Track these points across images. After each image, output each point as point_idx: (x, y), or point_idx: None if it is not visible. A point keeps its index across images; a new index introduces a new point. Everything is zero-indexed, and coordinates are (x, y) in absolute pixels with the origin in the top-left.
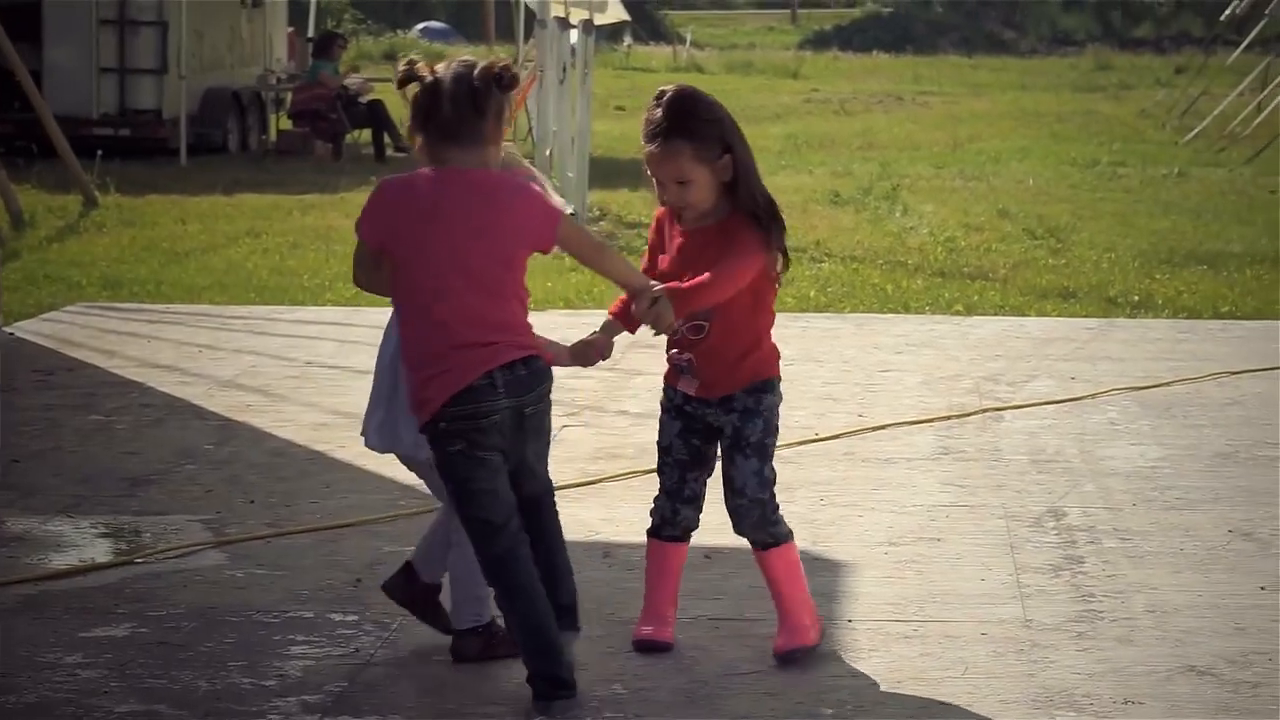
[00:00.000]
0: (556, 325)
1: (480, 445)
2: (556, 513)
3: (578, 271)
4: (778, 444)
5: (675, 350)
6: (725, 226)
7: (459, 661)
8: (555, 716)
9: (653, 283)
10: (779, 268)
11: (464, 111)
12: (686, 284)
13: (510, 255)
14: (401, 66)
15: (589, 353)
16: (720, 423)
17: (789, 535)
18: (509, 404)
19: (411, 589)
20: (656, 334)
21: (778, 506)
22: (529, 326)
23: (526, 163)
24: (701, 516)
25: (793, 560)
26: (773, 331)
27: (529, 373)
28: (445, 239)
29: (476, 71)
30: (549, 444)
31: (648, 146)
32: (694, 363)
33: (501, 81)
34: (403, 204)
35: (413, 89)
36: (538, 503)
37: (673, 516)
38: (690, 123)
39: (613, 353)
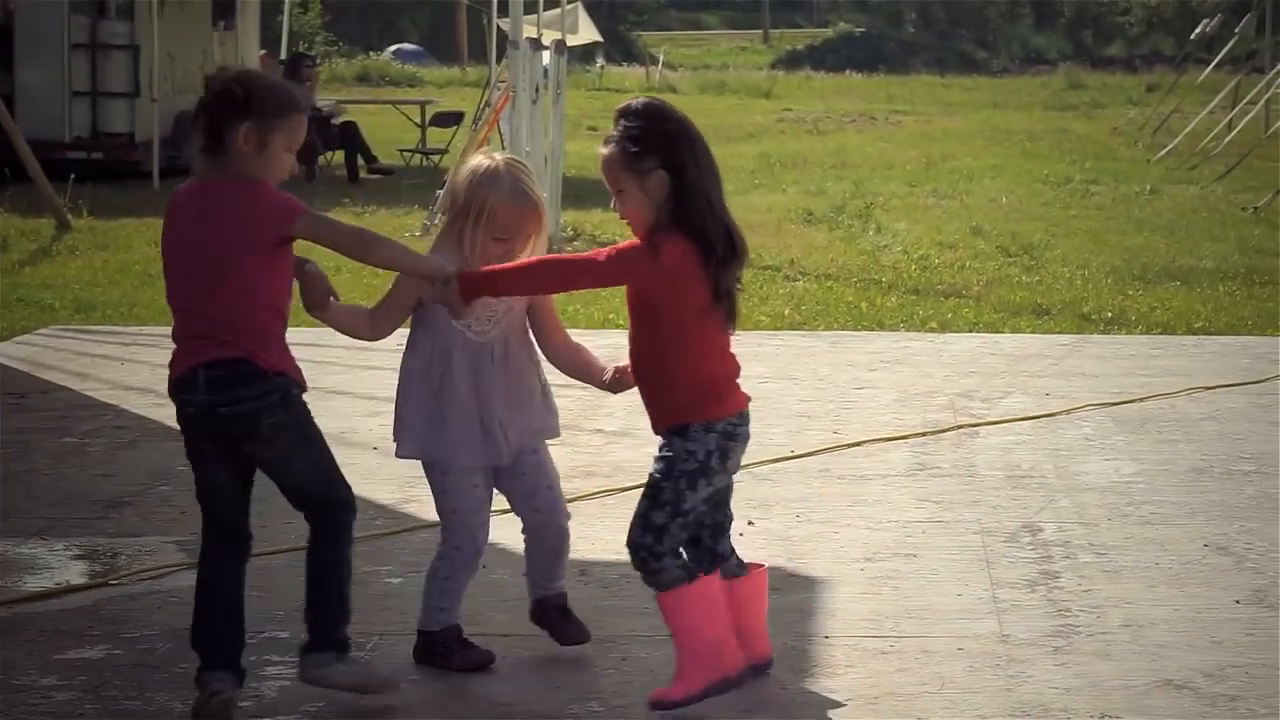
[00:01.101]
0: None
1: (189, 437)
2: (335, 538)
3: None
4: (725, 475)
5: None
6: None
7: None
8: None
9: (449, 267)
10: (715, 305)
11: (204, 126)
12: (485, 268)
13: (232, 254)
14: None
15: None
16: None
17: (674, 582)
18: (205, 400)
19: (542, 615)
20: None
21: (663, 554)
22: (264, 330)
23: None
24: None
25: (680, 606)
26: (718, 370)
27: (228, 375)
28: (178, 239)
29: (211, 89)
30: (305, 457)
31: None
32: None
33: (228, 96)
34: (169, 209)
35: None
36: (312, 520)
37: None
38: (632, 132)
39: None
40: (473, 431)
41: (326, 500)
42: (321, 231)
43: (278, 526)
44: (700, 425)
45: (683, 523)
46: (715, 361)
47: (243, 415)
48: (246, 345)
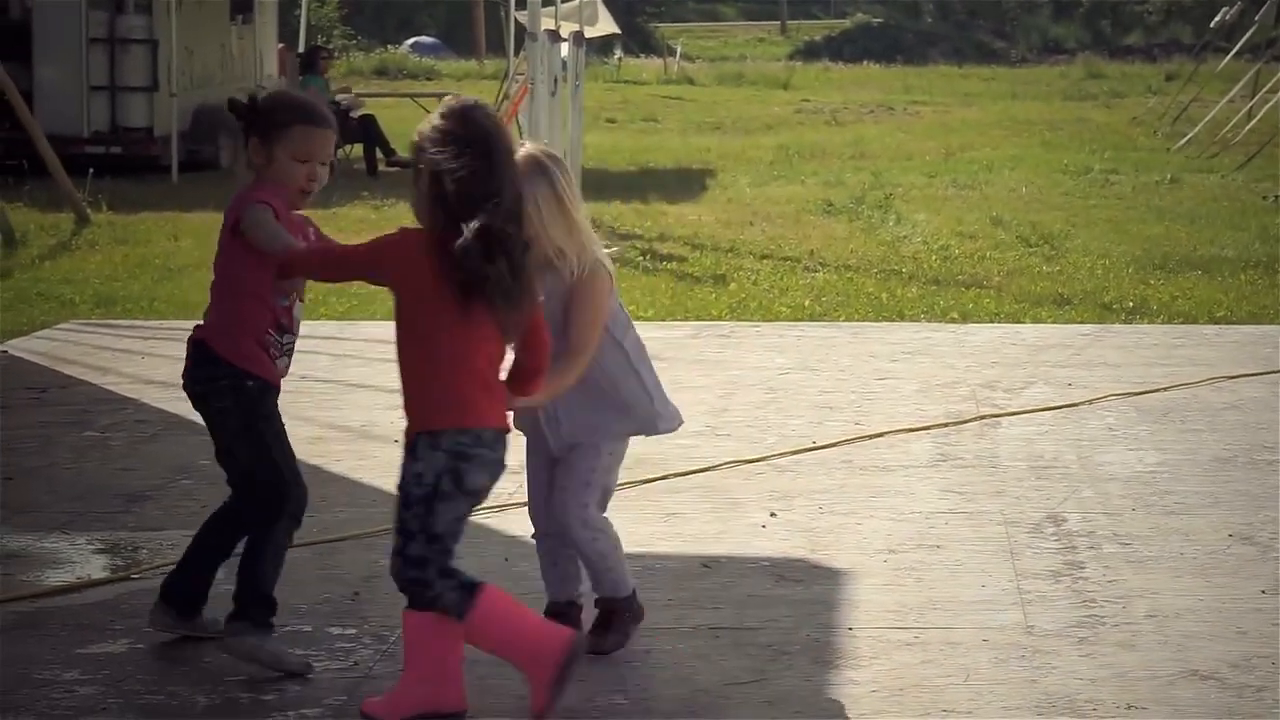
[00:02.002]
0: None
1: None
2: (264, 526)
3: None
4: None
5: None
6: None
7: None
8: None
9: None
10: (455, 299)
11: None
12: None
13: (221, 248)
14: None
15: None
16: None
17: (455, 604)
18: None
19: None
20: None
21: (432, 581)
22: (233, 318)
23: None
24: (697, 526)
25: (455, 629)
26: (465, 377)
27: (191, 355)
28: None
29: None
30: (249, 448)
31: None
32: None
33: (238, 112)
34: None
35: None
36: (248, 501)
37: None
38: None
39: None
40: (533, 416)
41: (266, 486)
42: (249, 234)
43: None
44: (438, 434)
45: (440, 548)
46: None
47: (195, 395)
48: (209, 330)
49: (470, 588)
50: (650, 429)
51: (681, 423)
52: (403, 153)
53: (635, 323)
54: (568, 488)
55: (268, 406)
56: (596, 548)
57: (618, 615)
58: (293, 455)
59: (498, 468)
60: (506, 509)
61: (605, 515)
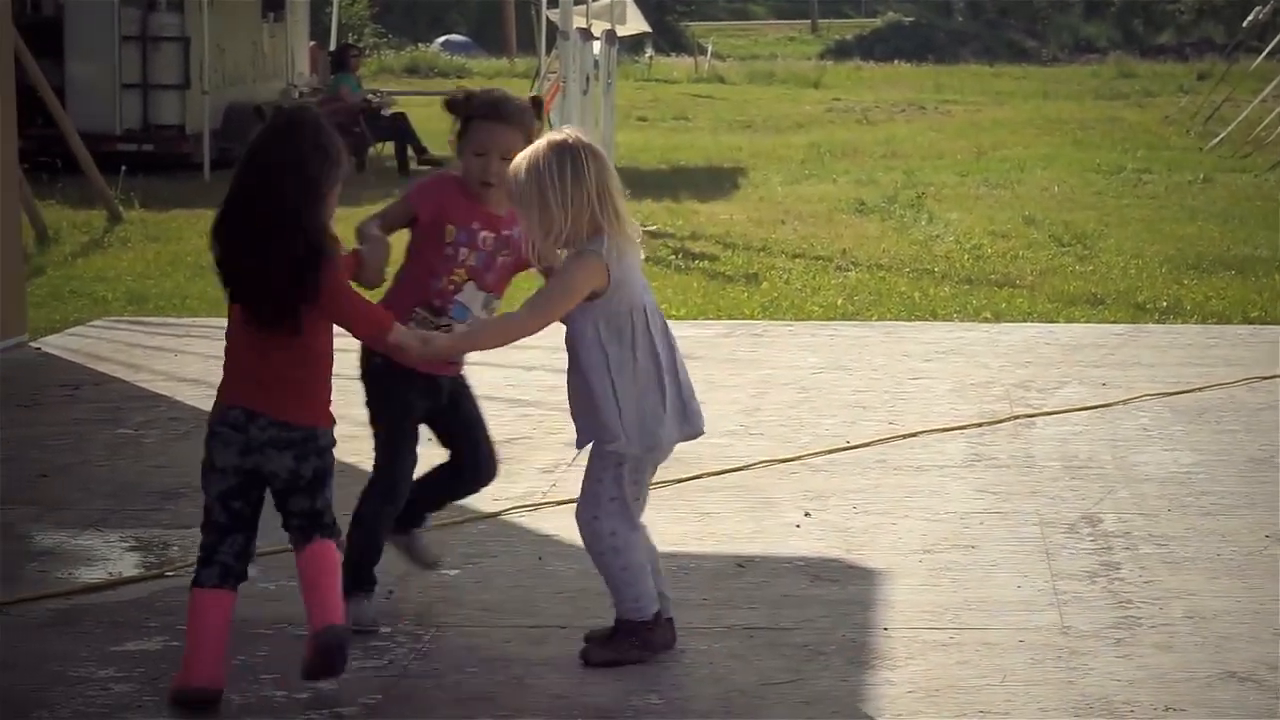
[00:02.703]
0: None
1: None
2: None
3: None
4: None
5: None
6: None
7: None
8: None
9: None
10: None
11: None
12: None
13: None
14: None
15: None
16: None
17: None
18: None
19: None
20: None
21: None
22: None
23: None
24: (731, 526)
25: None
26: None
27: None
28: None
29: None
30: None
31: None
32: None
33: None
34: None
35: None
36: None
37: None
38: None
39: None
40: None
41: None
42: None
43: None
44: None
45: (204, 522)
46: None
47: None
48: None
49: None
50: (605, 437)
51: (643, 449)
52: (435, 151)
53: (670, 322)
54: (579, 495)
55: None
56: (604, 562)
57: (621, 634)
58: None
59: (234, 446)
60: (540, 508)
61: (632, 531)
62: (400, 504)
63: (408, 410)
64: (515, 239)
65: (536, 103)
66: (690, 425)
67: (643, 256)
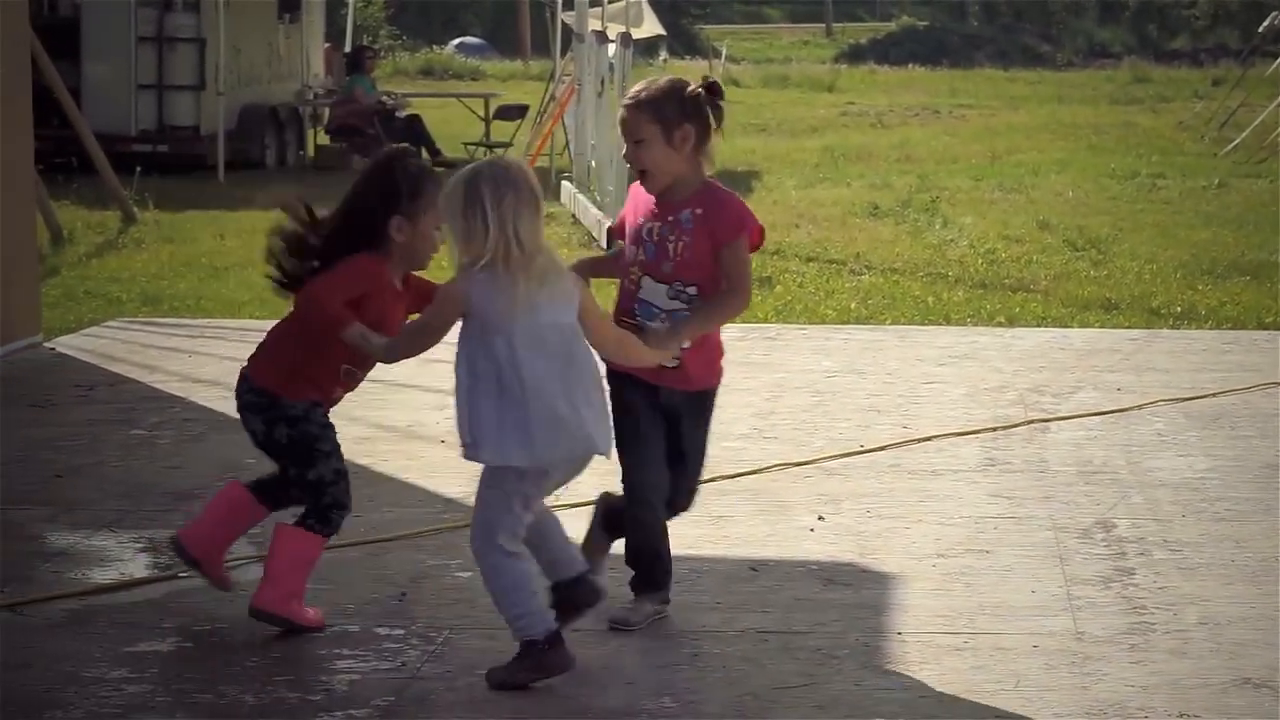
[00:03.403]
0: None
1: None
2: None
3: None
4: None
5: None
6: None
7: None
8: None
9: None
10: None
11: None
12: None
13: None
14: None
15: None
16: None
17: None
18: None
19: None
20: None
21: None
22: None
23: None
24: (744, 529)
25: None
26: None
27: None
28: None
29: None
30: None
31: None
32: None
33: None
34: None
35: None
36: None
37: None
38: None
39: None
40: None
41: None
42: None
43: (346, 519)
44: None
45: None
46: None
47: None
48: None
49: None
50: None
51: (507, 463)
52: (449, 153)
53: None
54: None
55: None
56: (486, 581)
57: (519, 655)
58: None
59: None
60: (556, 505)
61: (507, 557)
62: (648, 508)
63: (625, 409)
64: (684, 223)
65: (712, 86)
66: (579, 445)
67: (572, 291)
